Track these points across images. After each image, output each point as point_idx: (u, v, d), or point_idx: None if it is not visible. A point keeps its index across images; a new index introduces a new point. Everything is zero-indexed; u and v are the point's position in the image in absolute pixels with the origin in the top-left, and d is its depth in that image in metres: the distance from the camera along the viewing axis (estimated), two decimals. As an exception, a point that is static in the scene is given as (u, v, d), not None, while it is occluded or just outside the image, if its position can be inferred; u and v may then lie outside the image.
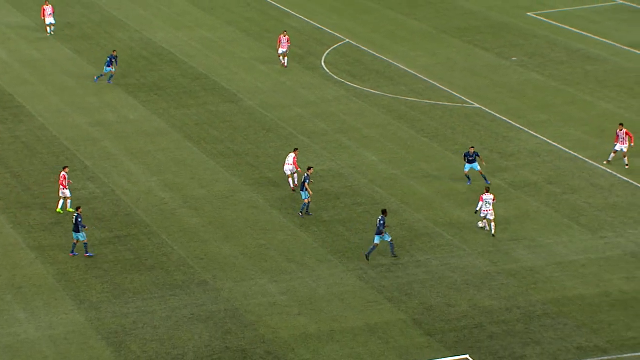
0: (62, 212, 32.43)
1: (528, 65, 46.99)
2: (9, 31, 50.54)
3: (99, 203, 33.10)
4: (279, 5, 55.88)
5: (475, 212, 31.64)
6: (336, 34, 50.54)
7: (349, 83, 44.43)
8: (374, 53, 48.49)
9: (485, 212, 31.20)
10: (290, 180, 33.92)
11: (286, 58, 45.67)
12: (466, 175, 34.48)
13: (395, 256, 29.68)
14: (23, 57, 47.01)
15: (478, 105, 41.95)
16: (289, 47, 45.58)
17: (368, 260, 29.60)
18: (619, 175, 35.29)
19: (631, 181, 35.01)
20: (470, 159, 34.27)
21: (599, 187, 34.60)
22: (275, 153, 37.18)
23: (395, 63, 47.11)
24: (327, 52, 48.57)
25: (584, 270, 29.48)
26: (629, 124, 38.62)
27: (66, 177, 32.46)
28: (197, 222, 32.14)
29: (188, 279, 28.91)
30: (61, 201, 32.58)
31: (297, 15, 54.24)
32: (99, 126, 39.44)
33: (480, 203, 31.20)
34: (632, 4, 56.43)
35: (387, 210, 30.51)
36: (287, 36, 45.80)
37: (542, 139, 38.49)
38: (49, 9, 49.89)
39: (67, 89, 42.96)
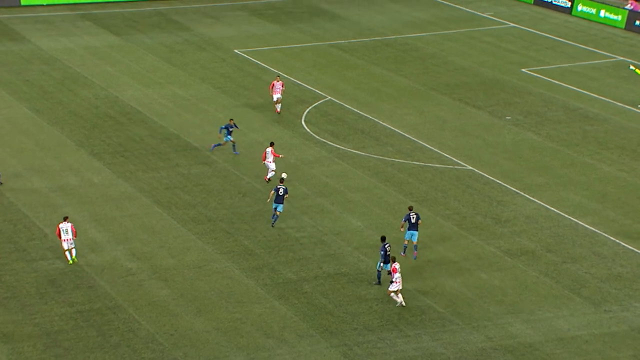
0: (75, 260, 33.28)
1: (523, 124, 47.83)
2: (-37, 88, 51.02)
3: (59, 274, 33.08)
4: (256, 61, 56.80)
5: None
6: (317, 91, 51.34)
7: (331, 143, 45.00)
8: (358, 111, 49.24)
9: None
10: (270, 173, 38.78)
11: (279, 104, 47.14)
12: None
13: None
14: (-22, 117, 47.36)
15: (470, 167, 42.54)
16: (282, 92, 47.20)
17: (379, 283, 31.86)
18: (622, 244, 35.75)
19: (636, 250, 35.45)
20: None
21: (601, 256, 35.00)
22: (251, 219, 37.43)
23: (381, 122, 47.83)
24: (308, 110, 49.27)
25: (587, 346, 29.66)
26: (631, 188, 39.31)
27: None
28: (166, 295, 32.16)
29: (157, 357, 28.82)
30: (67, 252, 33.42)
31: (276, 71, 55.10)
32: (60, 191, 39.59)
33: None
34: (632, 60, 57.81)
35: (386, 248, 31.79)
36: (280, 81, 47.31)
37: (540, 204, 39.01)
38: None
39: (25, 151, 43.20)
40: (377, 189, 40.28)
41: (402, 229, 34.67)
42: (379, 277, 32.60)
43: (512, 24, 65.77)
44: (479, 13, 68.41)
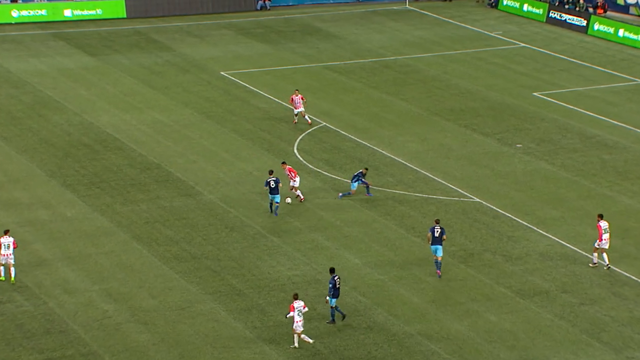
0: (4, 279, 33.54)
1: (535, 152, 48.13)
2: None
3: (27, 318, 33.06)
4: (244, 84, 57.15)
5: None
6: (311, 117, 51.63)
7: (326, 173, 45.20)
8: (355, 138, 49.50)
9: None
10: (299, 192, 40.90)
11: (306, 116, 49.76)
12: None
13: (344, 316, 32.77)
14: (-60, 145, 47.47)
15: (477, 199, 42.74)
16: (303, 104, 49.71)
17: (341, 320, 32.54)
18: (644, 281, 35.89)
19: (659, 288, 35.59)
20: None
21: (622, 297, 35.11)
22: (239, 255, 37.51)
23: (380, 150, 48.08)
24: (301, 137, 49.53)
25: (607, 393, 29.70)
26: (654, 221, 39.47)
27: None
28: (146, 339, 32.14)
29: (135, 408, 28.76)
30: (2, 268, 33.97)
31: (266, 94, 55.44)
32: (29, 226, 39.63)
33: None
34: (653, 82, 58.30)
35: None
36: (299, 94, 49.71)
37: (554, 240, 39.17)
38: None
39: (-8, 182, 43.31)
40: (376, 222, 40.42)
41: (429, 242, 36.09)
42: (332, 315, 32.82)
43: (522, 44, 66.35)
44: (486, 32, 69.01)
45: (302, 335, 31.47)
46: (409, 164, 45.97)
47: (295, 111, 50.04)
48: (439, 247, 35.83)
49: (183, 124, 50.92)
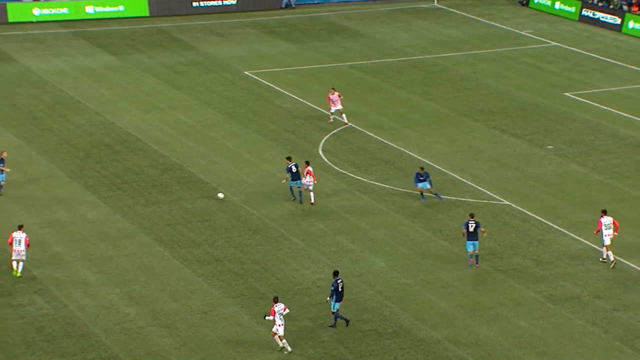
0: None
1: (567, 154, 47.91)
2: (-57, 114, 51.67)
3: (48, 321, 33.28)
4: (268, 84, 57.27)
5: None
6: (336, 117, 51.65)
7: (352, 175, 45.21)
8: (382, 139, 49.49)
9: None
10: (312, 194, 40.94)
11: (344, 115, 49.90)
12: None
13: (347, 322, 32.91)
14: (-40, 145, 47.89)
15: (507, 202, 42.60)
16: (341, 101, 49.87)
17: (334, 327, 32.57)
18: (679, 286, 35.65)
19: (694, 293, 35.33)
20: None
21: (655, 300, 34.92)
22: (263, 258, 37.59)
23: (407, 151, 48.03)
24: (326, 138, 49.56)
25: (640, 402, 29.53)
26: (689, 224, 39.17)
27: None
28: (168, 343, 32.28)
29: (156, 414, 28.90)
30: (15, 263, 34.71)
31: (290, 94, 55.54)
32: (50, 227, 39.89)
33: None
34: (689, 82, 57.93)
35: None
36: (336, 92, 49.81)
37: (586, 243, 38.98)
38: None
39: (12, 183, 43.61)
40: (402, 225, 40.39)
41: (464, 237, 36.67)
42: (335, 319, 32.90)
43: (554, 43, 66.07)
44: (516, 31, 68.78)
45: (283, 341, 31.33)
46: (436, 166, 45.88)
47: (332, 109, 50.06)
48: (475, 242, 36.50)
49: (206, 125, 51.10)
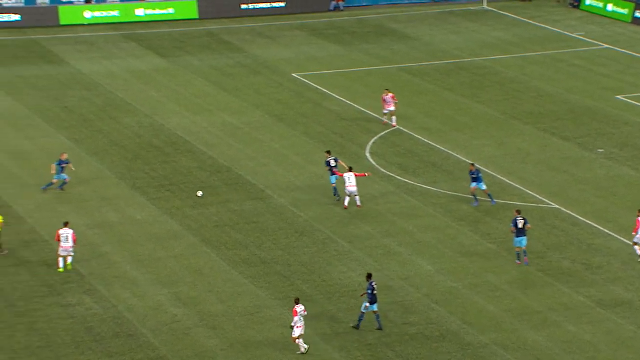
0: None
1: (618, 158, 47.42)
2: (-4, 116, 52.42)
3: (97, 321, 33.64)
4: (316, 86, 57.37)
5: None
6: (384, 119, 51.59)
7: (399, 177, 45.15)
8: (429, 142, 49.35)
9: None
10: (347, 199, 41.13)
11: (394, 117, 49.74)
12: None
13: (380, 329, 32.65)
14: (11, 148, 48.51)
15: (556, 206, 42.27)
16: (396, 104, 49.80)
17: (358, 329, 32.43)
18: None
19: None
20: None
21: None
22: (309, 261, 37.68)
23: (455, 154, 47.86)
24: (373, 140, 49.54)
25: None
26: None
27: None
28: (215, 345, 32.47)
29: (203, 414, 29.07)
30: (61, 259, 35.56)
31: (338, 97, 55.60)
32: (99, 229, 40.32)
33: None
34: None
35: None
36: (390, 93, 49.70)
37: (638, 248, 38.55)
38: None
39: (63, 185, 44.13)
40: (450, 228, 40.24)
41: (512, 233, 36.98)
42: (360, 320, 32.86)
43: (606, 45, 65.41)
44: (567, 33, 68.20)
45: (298, 341, 31.39)
46: (484, 169, 45.64)
47: (385, 110, 50.13)
48: (524, 238, 36.76)
49: (254, 127, 51.31)
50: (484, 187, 41.64)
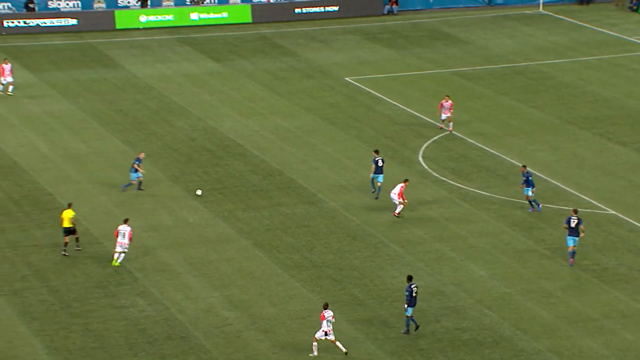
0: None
1: (675, 162, 46.78)
2: (51, 120, 53.02)
3: (150, 323, 33.92)
4: (369, 90, 57.33)
5: None
6: (436, 124, 51.41)
7: (452, 182, 44.93)
8: (483, 146, 49.06)
9: None
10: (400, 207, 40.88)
11: (451, 123, 49.57)
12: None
13: (417, 327, 32.92)
14: (67, 151, 49.10)
15: (612, 212, 41.77)
16: (452, 112, 49.67)
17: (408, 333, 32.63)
18: None
19: None
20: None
21: None
22: (361, 265, 37.63)
23: (509, 158, 47.51)
24: (426, 144, 49.37)
25: None
26: None
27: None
28: (266, 348, 32.56)
29: (254, 417, 29.16)
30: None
31: (391, 101, 55.50)
32: (153, 231, 40.65)
33: None
34: None
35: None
36: (449, 100, 49.54)
37: (695, 254, 38.01)
38: (7, 68, 55.56)
39: (116, 187, 44.59)
40: (503, 234, 39.96)
41: (565, 230, 37.26)
42: (407, 325, 32.84)
43: (663, 49, 64.58)
44: (625, 37, 67.38)
45: (336, 342, 31.55)
46: (539, 174, 45.27)
47: (443, 116, 49.93)
48: (576, 238, 36.87)
49: (306, 130, 51.41)
50: (530, 192, 41.22)
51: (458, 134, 50.33)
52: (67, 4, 70.96)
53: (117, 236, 37.24)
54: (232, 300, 35.33)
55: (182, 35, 68.71)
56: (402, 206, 40.97)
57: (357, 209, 42.10)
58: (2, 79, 55.65)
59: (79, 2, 71.22)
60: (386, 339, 32.78)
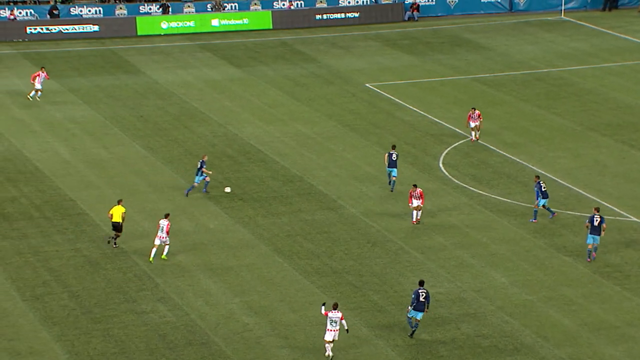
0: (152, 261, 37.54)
1: (698, 169, 46.51)
2: (72, 126, 53.31)
3: (170, 329, 34.00)
4: (389, 96, 57.33)
5: None
6: (457, 130, 51.36)
7: (473, 188, 44.85)
8: (504, 153, 48.95)
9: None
10: (415, 213, 40.91)
11: (478, 132, 49.45)
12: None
13: (412, 333, 32.93)
14: (88, 156, 49.34)
15: (635, 219, 41.57)
16: (481, 122, 49.46)
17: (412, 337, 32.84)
18: None
19: None
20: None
21: None
22: (381, 271, 37.61)
23: (530, 165, 47.39)
24: (446, 151, 49.31)
25: None
26: None
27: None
28: (286, 354, 32.58)
29: (274, 423, 29.16)
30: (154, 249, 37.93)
31: (411, 107, 55.48)
32: (173, 237, 40.65)
33: None
34: None
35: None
36: (477, 111, 49.32)
37: None
38: (42, 76, 56.17)
39: (137, 193, 44.77)
40: (524, 241, 39.85)
41: (587, 228, 37.84)
42: (410, 325, 33.00)
43: (686, 55, 64.28)
44: (647, 43, 67.17)
45: (327, 345, 31.68)
46: (560, 181, 45.13)
47: (472, 124, 49.45)
48: (597, 236, 37.42)
49: (326, 137, 51.45)
50: (542, 202, 41.01)
51: (479, 141, 50.22)
52: (89, 11, 71.41)
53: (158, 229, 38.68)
54: (252, 306, 35.37)
55: (203, 41, 68.96)
56: (418, 212, 40.93)
57: (377, 215, 42.09)
58: (35, 83, 56.04)
59: (100, 8, 71.68)
60: (406, 346, 32.73)
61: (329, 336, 31.75)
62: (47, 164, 48.08)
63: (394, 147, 44.45)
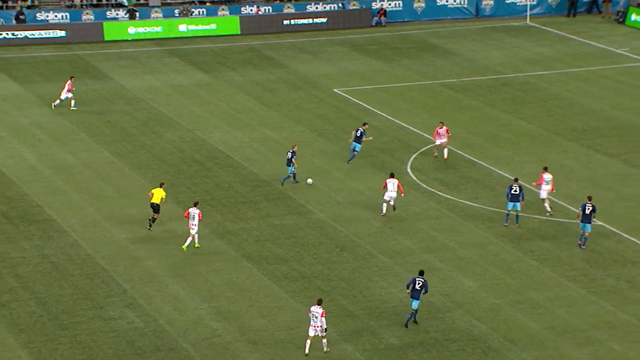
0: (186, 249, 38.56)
1: (662, 174, 47.00)
2: (39, 132, 52.97)
3: (138, 335, 33.89)
4: (358, 101, 57.48)
5: None
6: (425, 135, 51.57)
7: (440, 193, 45.05)
8: (471, 158, 49.21)
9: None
10: (385, 205, 41.63)
11: (445, 149, 48.33)
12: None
13: (406, 327, 33.61)
14: (55, 162, 49.06)
15: (600, 222, 41.95)
16: (449, 137, 48.45)
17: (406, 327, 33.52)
18: None
19: None
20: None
21: None
22: (350, 276, 37.68)
23: (497, 170, 47.68)
24: (414, 156, 49.50)
25: None
26: None
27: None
28: (255, 359, 32.55)
29: None
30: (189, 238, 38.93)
31: (379, 112, 55.65)
32: (142, 242, 40.62)
33: None
34: None
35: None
36: (444, 127, 48.40)
37: (682, 265, 38.16)
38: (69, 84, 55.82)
39: (105, 199, 44.58)
40: (492, 245, 40.08)
41: (577, 218, 39.15)
42: (409, 317, 33.70)
43: (650, 61, 64.94)
44: (612, 49, 67.76)
45: (307, 341, 32.15)
46: (526, 185, 45.42)
47: (437, 142, 48.36)
48: (588, 224, 38.70)
49: (295, 142, 51.44)
50: (519, 207, 41.24)
51: (450, 147, 50.46)
52: (56, 16, 71.00)
53: (187, 218, 39.17)
54: (220, 311, 35.32)
55: (170, 46, 68.78)
56: (390, 201, 41.95)
57: (346, 220, 42.16)
58: (62, 94, 55.40)
59: (67, 13, 71.29)
60: (375, 350, 32.81)
61: (311, 332, 32.02)
62: (14, 169, 47.75)
63: (365, 125, 47.50)
